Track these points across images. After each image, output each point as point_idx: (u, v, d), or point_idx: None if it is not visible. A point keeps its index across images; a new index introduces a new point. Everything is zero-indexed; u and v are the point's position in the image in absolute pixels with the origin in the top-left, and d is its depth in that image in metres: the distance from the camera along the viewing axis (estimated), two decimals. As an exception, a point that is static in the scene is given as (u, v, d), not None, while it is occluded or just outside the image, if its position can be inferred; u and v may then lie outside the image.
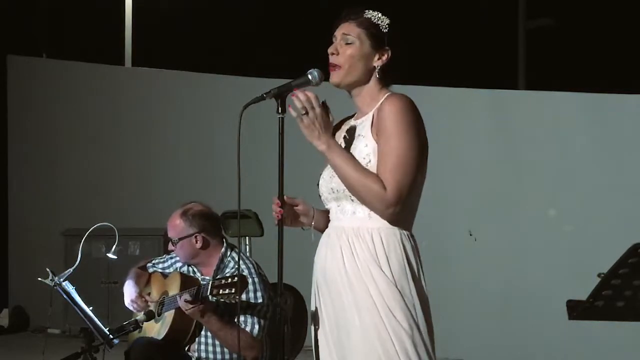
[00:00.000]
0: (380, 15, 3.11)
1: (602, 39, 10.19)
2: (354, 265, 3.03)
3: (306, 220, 3.18)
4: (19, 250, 10.33)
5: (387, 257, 3.01)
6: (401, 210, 3.00)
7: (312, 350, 3.21)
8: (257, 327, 4.49)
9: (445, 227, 7.61)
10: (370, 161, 3.03)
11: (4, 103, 10.49)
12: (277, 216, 3.08)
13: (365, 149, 3.05)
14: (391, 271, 2.99)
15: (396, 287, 2.98)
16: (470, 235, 7.66)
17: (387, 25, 3.10)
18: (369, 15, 3.11)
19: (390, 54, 3.10)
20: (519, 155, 7.65)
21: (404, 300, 2.98)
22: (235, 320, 4.49)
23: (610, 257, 2.83)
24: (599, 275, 2.78)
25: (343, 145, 3.14)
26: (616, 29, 10.11)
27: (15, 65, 10.56)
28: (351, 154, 3.06)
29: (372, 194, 2.99)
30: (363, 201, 3.02)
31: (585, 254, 6.95)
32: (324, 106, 3.07)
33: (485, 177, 7.72)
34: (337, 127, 3.26)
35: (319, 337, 3.15)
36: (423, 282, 3.06)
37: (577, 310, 2.84)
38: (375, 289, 2.98)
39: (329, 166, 3.16)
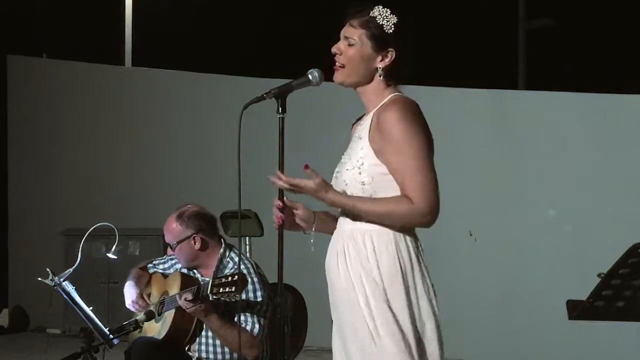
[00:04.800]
0: (387, 14, 3.05)
1: (602, 39, 10.19)
2: (346, 272, 3.03)
3: (306, 225, 3.17)
4: (19, 250, 10.33)
5: (377, 260, 2.99)
6: (438, 208, 2.96)
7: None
8: (257, 326, 4.49)
9: (445, 227, 7.59)
10: (362, 164, 3.02)
11: (4, 103, 10.49)
12: (278, 221, 3.08)
13: (360, 152, 3.04)
14: (381, 276, 2.98)
15: (385, 296, 2.96)
16: (470, 235, 7.66)
17: (392, 26, 3.04)
18: (375, 14, 3.05)
19: (394, 55, 3.05)
20: (519, 155, 7.65)
21: (392, 311, 2.95)
22: (236, 318, 4.49)
23: (610, 257, 2.83)
24: (599, 275, 2.79)
25: (351, 146, 3.13)
26: (616, 29, 10.11)
27: (15, 65, 10.55)
28: (356, 196, 3.03)
29: (406, 215, 2.96)
30: (404, 224, 3.00)
31: (585, 254, 6.95)
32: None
33: (485, 177, 7.72)
34: (357, 125, 3.22)
35: (333, 341, 3.15)
36: (420, 283, 3.03)
37: (577, 310, 2.84)
38: (364, 298, 2.98)
39: (340, 162, 3.16)
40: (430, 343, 3.01)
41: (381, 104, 3.07)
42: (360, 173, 3.02)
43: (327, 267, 3.13)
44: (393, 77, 3.09)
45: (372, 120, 3.06)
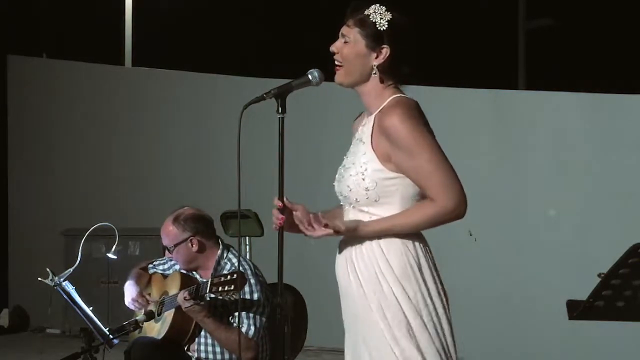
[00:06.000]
0: (382, 11, 3.04)
1: (602, 39, 10.18)
2: (357, 280, 3.03)
3: None
4: (19, 250, 10.32)
5: (388, 263, 2.99)
6: (464, 198, 3.00)
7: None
8: (252, 328, 4.48)
9: (445, 227, 7.58)
10: (366, 170, 3.01)
11: (4, 103, 10.48)
12: (279, 223, 3.07)
13: (363, 157, 3.03)
14: (395, 278, 2.98)
15: (398, 298, 2.96)
16: (470, 235, 7.66)
17: (386, 23, 3.03)
18: (370, 12, 3.05)
19: (388, 52, 3.04)
20: (519, 155, 7.65)
21: (405, 314, 2.96)
22: (236, 316, 4.49)
23: (610, 257, 2.83)
24: (599, 275, 2.79)
25: (353, 149, 3.12)
26: (616, 29, 10.10)
27: (15, 65, 10.55)
28: (378, 218, 3.02)
29: (437, 217, 2.99)
30: (439, 225, 3.02)
31: (585, 254, 6.95)
32: (327, 226, 2.99)
33: (485, 177, 7.71)
34: (359, 123, 3.20)
35: (345, 347, 3.14)
36: (432, 283, 3.03)
37: (577, 310, 2.84)
38: (377, 303, 2.97)
39: (341, 164, 3.15)
40: (444, 342, 3.03)
41: (382, 105, 3.06)
42: (363, 179, 3.01)
43: (337, 275, 3.13)
44: (390, 75, 3.08)
45: (374, 124, 3.05)
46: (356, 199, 3.04)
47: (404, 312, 2.96)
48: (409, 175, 2.99)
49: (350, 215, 3.08)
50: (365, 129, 3.08)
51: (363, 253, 3.02)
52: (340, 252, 3.12)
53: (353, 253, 3.05)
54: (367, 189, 3.01)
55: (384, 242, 3.01)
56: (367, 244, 3.02)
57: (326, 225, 2.96)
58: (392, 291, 2.97)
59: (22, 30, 10.63)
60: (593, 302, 2.79)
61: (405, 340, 2.95)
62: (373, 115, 3.07)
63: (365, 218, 3.03)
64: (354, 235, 3.01)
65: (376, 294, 2.98)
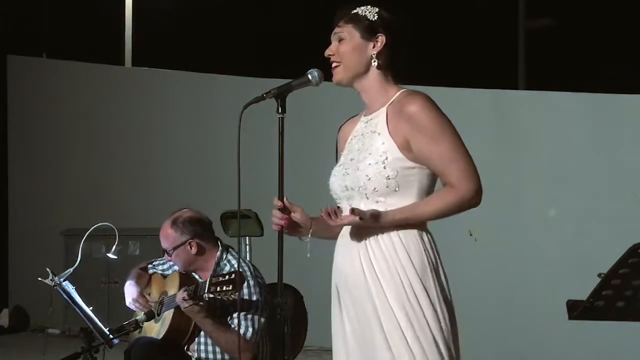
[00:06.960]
0: (369, 7, 3.11)
1: (603, 39, 10.18)
2: (373, 275, 3.00)
3: (303, 229, 3.14)
4: (19, 250, 10.33)
5: (408, 255, 2.99)
6: (481, 187, 3.04)
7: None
8: (250, 330, 4.48)
9: (445, 227, 7.58)
10: (387, 158, 3.01)
11: (4, 103, 10.49)
12: (284, 223, 3.07)
13: (382, 146, 3.03)
14: (414, 270, 2.98)
15: (415, 290, 2.97)
16: (470, 235, 7.66)
17: (376, 13, 3.10)
18: (357, 10, 3.11)
19: (384, 40, 3.08)
20: (519, 155, 7.65)
21: (421, 306, 2.97)
22: (234, 317, 4.49)
23: (610, 257, 2.83)
24: (599, 275, 2.79)
25: (360, 143, 3.12)
26: (616, 29, 10.10)
27: (15, 65, 10.56)
28: (404, 206, 3.01)
29: (458, 205, 3.03)
30: (458, 213, 3.06)
31: (585, 254, 6.95)
32: (353, 212, 2.96)
33: (486, 177, 7.68)
34: (351, 126, 3.22)
35: (338, 345, 3.13)
36: (443, 276, 3.06)
37: (577, 310, 2.84)
38: (394, 294, 2.97)
39: (340, 163, 3.15)
40: (454, 336, 3.11)
41: (391, 100, 3.07)
42: (385, 167, 3.00)
43: (340, 267, 3.10)
44: (391, 67, 3.11)
45: (387, 115, 3.06)
46: (375, 188, 3.02)
47: (420, 306, 2.97)
48: (430, 161, 3.00)
49: (362, 208, 3.06)
50: (375, 121, 3.08)
51: (380, 244, 3.01)
52: (348, 243, 3.08)
53: (368, 244, 3.03)
54: (388, 178, 3.00)
55: (402, 233, 3.01)
56: (385, 234, 3.01)
57: (352, 211, 2.94)
58: (411, 285, 2.97)
59: (22, 30, 10.64)
60: (593, 302, 2.79)
61: (423, 334, 2.96)
62: (384, 108, 3.07)
63: (380, 209, 3.01)
64: (375, 224, 2.99)
65: (396, 287, 2.97)
